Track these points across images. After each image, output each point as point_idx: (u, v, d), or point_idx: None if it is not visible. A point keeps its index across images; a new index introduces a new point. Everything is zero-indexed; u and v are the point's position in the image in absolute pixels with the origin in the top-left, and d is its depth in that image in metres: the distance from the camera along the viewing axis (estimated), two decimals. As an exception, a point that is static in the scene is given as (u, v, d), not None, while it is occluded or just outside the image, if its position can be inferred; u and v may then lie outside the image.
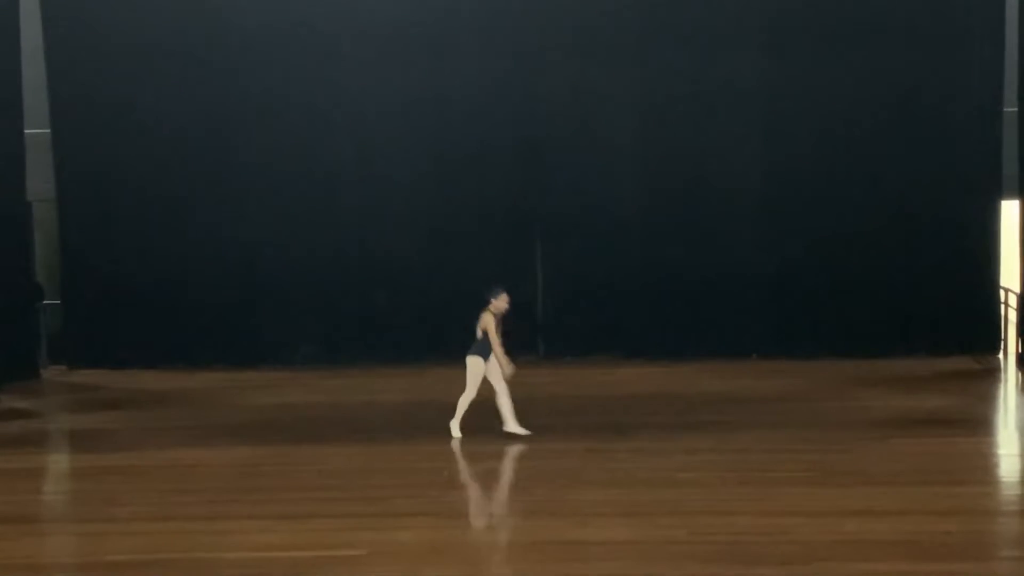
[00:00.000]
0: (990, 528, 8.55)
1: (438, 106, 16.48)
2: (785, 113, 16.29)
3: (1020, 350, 15.67)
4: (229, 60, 16.51)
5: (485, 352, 11.35)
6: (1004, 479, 10.39)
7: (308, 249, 16.67)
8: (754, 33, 16.26)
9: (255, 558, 7.93)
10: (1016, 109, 15.45)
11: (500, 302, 11.35)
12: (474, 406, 11.48)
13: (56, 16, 16.61)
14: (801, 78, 16.19)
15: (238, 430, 12.33)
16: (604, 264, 16.54)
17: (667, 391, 14.42)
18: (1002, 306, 16.45)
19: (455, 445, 11.29)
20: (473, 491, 10.31)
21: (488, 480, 10.46)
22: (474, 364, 11.40)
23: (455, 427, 11.49)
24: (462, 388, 11.46)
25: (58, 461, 12.10)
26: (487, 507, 9.75)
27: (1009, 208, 16.29)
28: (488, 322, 11.30)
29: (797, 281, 16.37)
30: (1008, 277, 16.45)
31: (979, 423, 12.60)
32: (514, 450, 11.09)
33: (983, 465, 10.67)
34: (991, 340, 16.41)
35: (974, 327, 16.27)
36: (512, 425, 11.49)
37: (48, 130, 16.73)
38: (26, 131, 16.19)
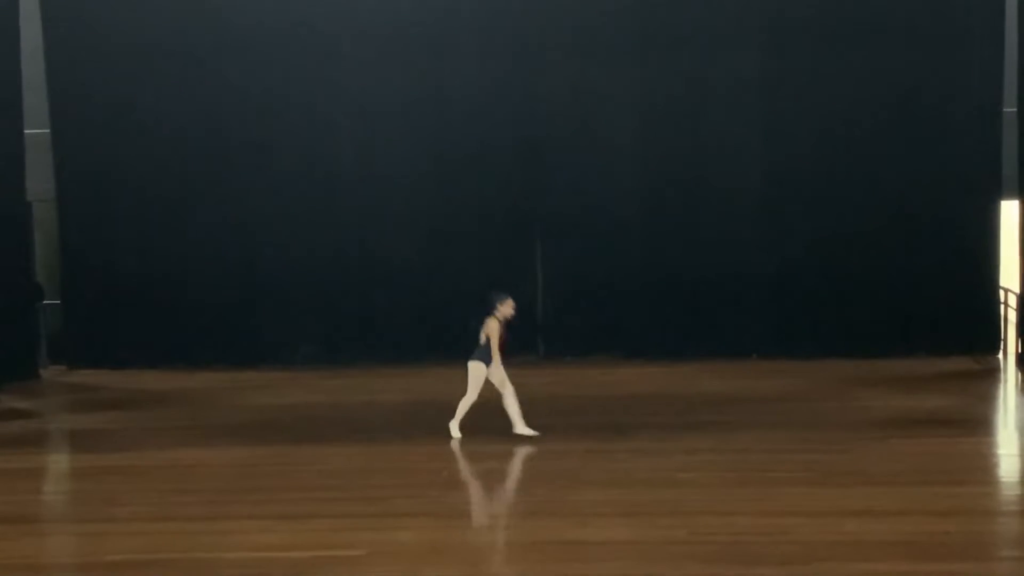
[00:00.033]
0: (990, 528, 8.54)
1: (438, 106, 16.50)
2: (785, 113, 16.30)
3: (1020, 350, 15.67)
4: (229, 60, 16.52)
5: (487, 358, 11.37)
6: (1004, 479, 10.39)
7: (308, 249, 16.68)
8: (754, 33, 16.28)
9: (255, 558, 7.93)
10: (1016, 109, 15.46)
11: (506, 308, 11.38)
12: (474, 407, 11.47)
13: (56, 16, 16.62)
14: (801, 78, 16.21)
15: (238, 430, 12.33)
16: (604, 264, 16.55)
17: (667, 391, 14.41)
18: (1002, 306, 16.46)
19: (455, 445, 11.28)
20: (473, 491, 10.31)
21: (488, 480, 10.45)
22: (476, 369, 11.40)
23: (455, 428, 11.49)
24: (462, 388, 11.45)
25: (58, 461, 12.10)
26: (487, 507, 9.75)
27: (1009, 208, 16.29)
28: (492, 328, 11.32)
29: (797, 281, 16.38)
30: (1008, 277, 16.46)
31: (979, 423, 12.60)
32: (514, 450, 11.08)
33: (983, 465, 10.67)
34: (991, 340, 16.42)
35: (974, 327, 16.27)
36: (520, 427, 11.50)
37: (48, 130, 16.73)
38: (26, 131, 16.18)
